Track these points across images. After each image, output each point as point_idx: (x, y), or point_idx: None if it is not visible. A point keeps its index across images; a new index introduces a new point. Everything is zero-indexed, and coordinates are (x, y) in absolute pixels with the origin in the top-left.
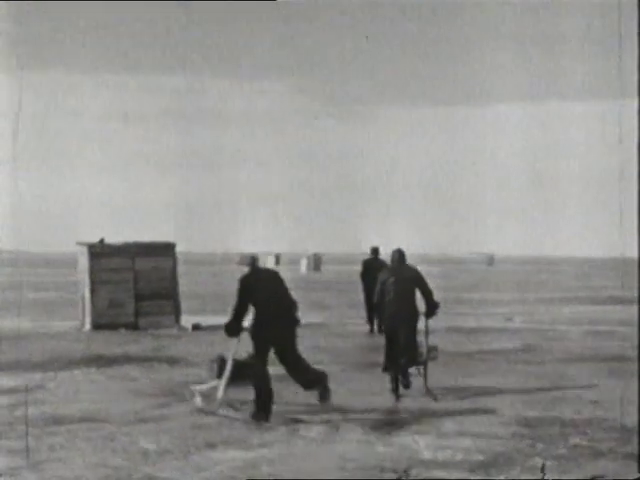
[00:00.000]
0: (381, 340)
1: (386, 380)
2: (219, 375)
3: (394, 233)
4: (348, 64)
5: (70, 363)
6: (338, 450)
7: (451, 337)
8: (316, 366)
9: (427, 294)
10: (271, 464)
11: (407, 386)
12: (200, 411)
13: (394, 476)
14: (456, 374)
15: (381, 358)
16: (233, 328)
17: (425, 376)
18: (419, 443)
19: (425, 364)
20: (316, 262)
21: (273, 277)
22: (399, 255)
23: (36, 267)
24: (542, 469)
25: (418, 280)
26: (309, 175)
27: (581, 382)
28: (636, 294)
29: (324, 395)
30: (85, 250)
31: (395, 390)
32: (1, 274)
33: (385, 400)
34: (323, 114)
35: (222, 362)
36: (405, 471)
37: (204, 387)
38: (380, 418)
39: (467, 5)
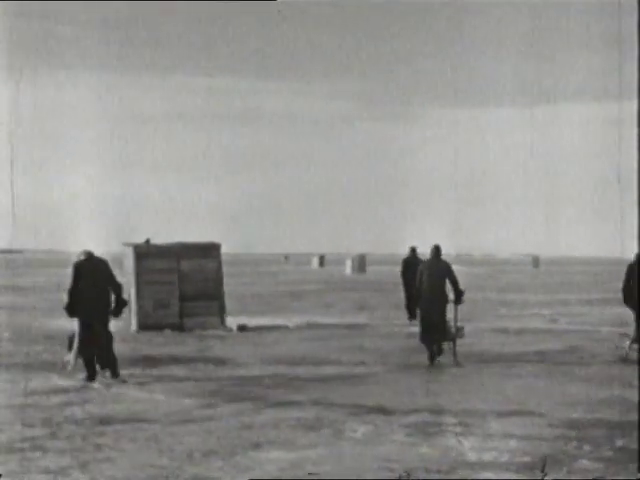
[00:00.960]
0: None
1: (431, 380)
2: (70, 348)
3: (437, 234)
4: (386, 66)
5: None
6: (382, 451)
7: (496, 338)
8: (360, 367)
9: (454, 284)
10: (316, 465)
11: (439, 354)
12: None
13: (438, 476)
14: (501, 375)
15: (425, 359)
16: (70, 308)
17: (454, 349)
18: (464, 444)
19: (454, 340)
20: (360, 263)
21: (99, 265)
22: (436, 250)
23: None
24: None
25: (448, 272)
26: (352, 176)
27: (626, 384)
28: None
29: (115, 373)
30: (131, 251)
31: (430, 357)
32: (46, 274)
33: (430, 401)
34: (363, 115)
35: (72, 338)
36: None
37: (69, 358)
38: (425, 419)
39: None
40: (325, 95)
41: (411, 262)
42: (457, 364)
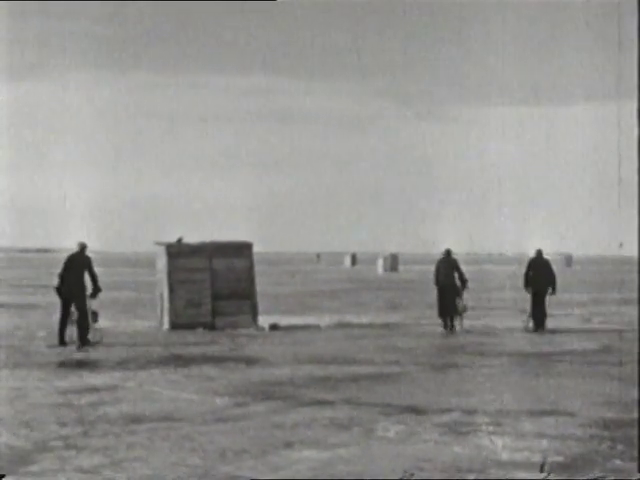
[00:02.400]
0: (457, 341)
1: (463, 380)
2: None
3: (470, 233)
4: (423, 65)
5: (148, 362)
6: (414, 450)
7: (529, 338)
8: (392, 366)
9: (460, 273)
10: (348, 464)
11: (452, 325)
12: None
13: (472, 476)
14: (533, 375)
15: (458, 359)
16: (59, 290)
17: (461, 321)
18: (496, 444)
19: (461, 315)
20: (393, 262)
21: (83, 258)
22: (447, 251)
23: (115, 267)
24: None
25: (455, 266)
26: (385, 175)
27: None
28: None
29: (82, 341)
30: (163, 250)
31: (445, 327)
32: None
33: (462, 400)
34: (395, 114)
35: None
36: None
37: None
38: (457, 419)
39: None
40: (356, 94)
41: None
42: (464, 331)
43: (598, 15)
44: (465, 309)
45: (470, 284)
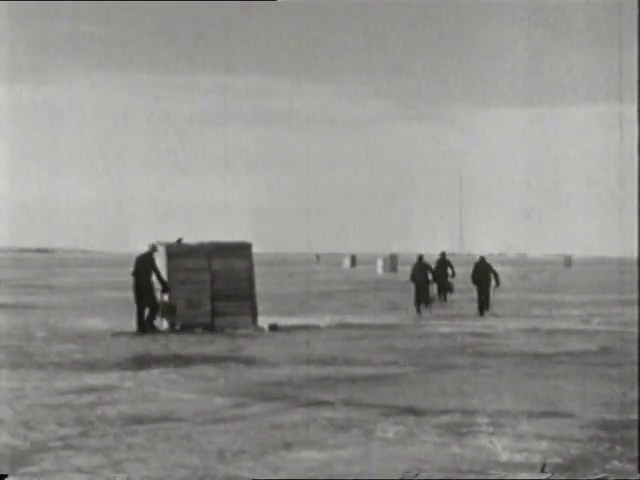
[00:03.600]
0: (457, 342)
1: (462, 381)
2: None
3: (470, 234)
4: (423, 65)
5: (148, 363)
6: (414, 451)
7: (528, 339)
8: (391, 367)
9: (431, 272)
10: (347, 465)
11: (429, 307)
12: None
13: (471, 476)
14: (532, 376)
15: (457, 360)
16: (134, 284)
17: (431, 307)
18: (496, 445)
19: (432, 302)
20: (392, 263)
21: (149, 257)
22: (419, 257)
23: (115, 267)
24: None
25: (429, 267)
26: (384, 176)
27: None
28: None
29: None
30: (162, 250)
31: (418, 311)
32: (77, 274)
33: (461, 401)
34: (395, 116)
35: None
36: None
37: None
38: (456, 419)
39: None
40: (358, 96)
41: (439, 263)
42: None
43: (599, 15)
44: (434, 299)
45: (471, 285)
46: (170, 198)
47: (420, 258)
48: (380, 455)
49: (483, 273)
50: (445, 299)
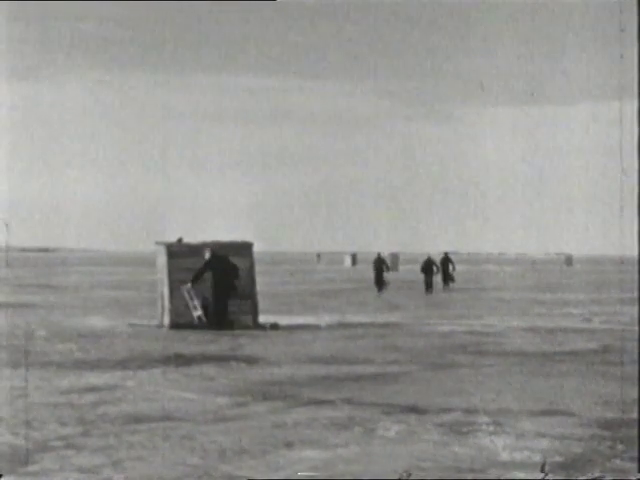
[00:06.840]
0: (457, 340)
1: (464, 380)
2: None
3: (470, 233)
4: (423, 65)
5: (149, 362)
6: (414, 450)
7: (529, 337)
8: (392, 366)
9: (436, 267)
10: (348, 464)
11: (430, 291)
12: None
13: (472, 476)
14: (534, 374)
15: (458, 358)
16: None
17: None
18: (496, 444)
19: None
20: (393, 262)
21: (226, 259)
22: (378, 254)
23: (115, 266)
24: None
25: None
26: (385, 175)
27: None
28: None
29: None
30: (163, 250)
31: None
32: (79, 273)
33: (463, 400)
34: (398, 115)
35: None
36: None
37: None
38: (458, 418)
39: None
40: (357, 94)
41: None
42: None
43: (599, 14)
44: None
45: (473, 284)
46: (170, 197)
47: (379, 255)
48: (382, 454)
49: (429, 266)
50: (448, 285)
